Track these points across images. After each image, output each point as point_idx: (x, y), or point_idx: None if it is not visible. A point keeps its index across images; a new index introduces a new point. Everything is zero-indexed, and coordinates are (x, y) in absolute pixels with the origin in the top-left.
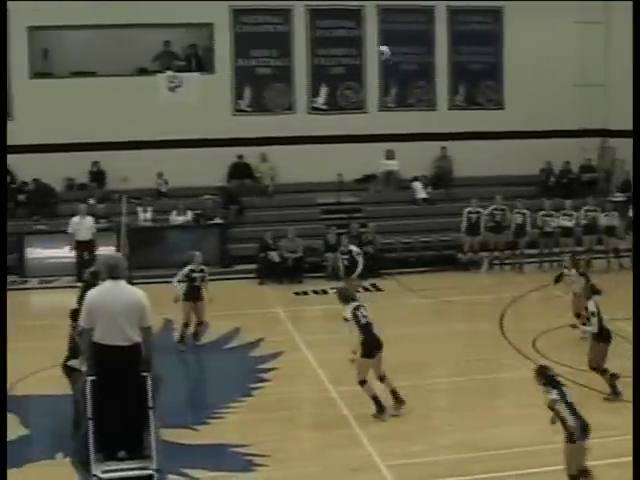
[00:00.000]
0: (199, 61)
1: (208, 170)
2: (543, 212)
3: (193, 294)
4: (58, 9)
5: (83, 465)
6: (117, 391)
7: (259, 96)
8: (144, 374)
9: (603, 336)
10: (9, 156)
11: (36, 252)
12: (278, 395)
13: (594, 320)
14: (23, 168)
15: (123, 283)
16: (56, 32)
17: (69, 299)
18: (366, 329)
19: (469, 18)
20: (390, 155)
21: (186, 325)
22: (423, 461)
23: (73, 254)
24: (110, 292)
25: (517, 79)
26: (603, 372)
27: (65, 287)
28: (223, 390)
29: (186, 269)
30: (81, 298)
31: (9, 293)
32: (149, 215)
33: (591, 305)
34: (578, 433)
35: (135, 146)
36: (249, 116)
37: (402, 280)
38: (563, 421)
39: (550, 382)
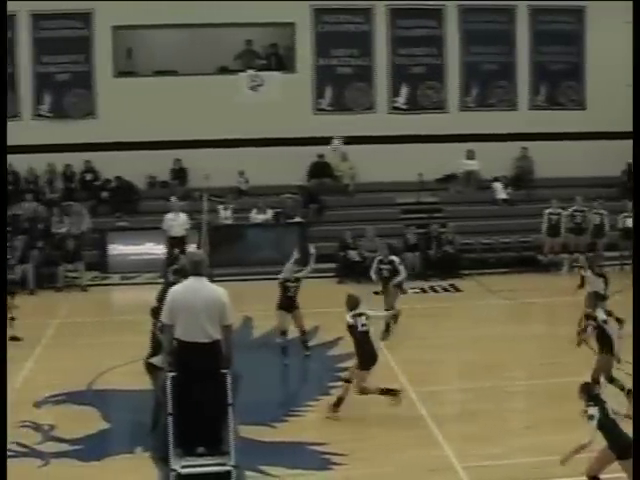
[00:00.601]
0: (280, 60)
1: (288, 169)
2: (625, 214)
3: (288, 303)
4: (142, 9)
5: (162, 460)
6: (197, 388)
7: (340, 95)
8: (224, 371)
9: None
10: (94, 154)
11: (118, 249)
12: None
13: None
14: (106, 166)
15: (205, 280)
16: (140, 31)
17: (150, 295)
18: (362, 338)
19: (550, 18)
20: (470, 155)
21: (283, 333)
22: (500, 463)
23: (164, 250)
24: (192, 289)
25: (599, 79)
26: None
27: (146, 283)
28: (302, 388)
29: (281, 277)
30: (162, 295)
31: (92, 289)
32: (230, 213)
33: (601, 314)
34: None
35: (216, 144)
36: (330, 115)
37: (482, 281)
38: (590, 438)
39: (593, 399)
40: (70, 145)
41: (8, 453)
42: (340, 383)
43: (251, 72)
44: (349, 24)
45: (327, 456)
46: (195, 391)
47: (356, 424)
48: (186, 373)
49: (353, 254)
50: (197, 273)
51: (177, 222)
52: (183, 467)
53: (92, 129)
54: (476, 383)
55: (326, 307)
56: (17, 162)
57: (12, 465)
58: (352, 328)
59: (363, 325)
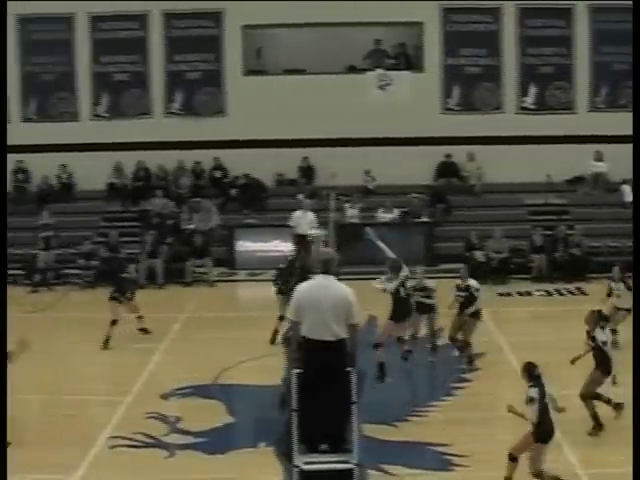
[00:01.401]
0: (408, 59)
1: (415, 168)
2: None
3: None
4: (272, 9)
5: (285, 455)
6: (322, 385)
7: (468, 95)
8: (349, 369)
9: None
10: (223, 151)
11: (245, 245)
12: (480, 396)
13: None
14: (235, 163)
15: (332, 279)
16: (269, 31)
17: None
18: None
19: None
20: (599, 157)
21: (413, 337)
22: (625, 471)
23: (291, 247)
24: (320, 287)
25: None
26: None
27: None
28: (425, 388)
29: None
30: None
31: (219, 284)
32: (356, 212)
33: (600, 335)
34: (541, 435)
35: (344, 143)
36: (457, 115)
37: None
38: (532, 420)
39: (534, 380)
40: (200, 142)
41: (135, 443)
42: (463, 384)
43: (379, 71)
44: (478, 23)
45: (448, 457)
46: (320, 388)
47: (479, 425)
48: (311, 370)
49: (479, 255)
50: (325, 271)
51: (305, 220)
52: (306, 463)
53: (221, 127)
54: (601, 388)
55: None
56: (148, 159)
57: (139, 455)
58: None
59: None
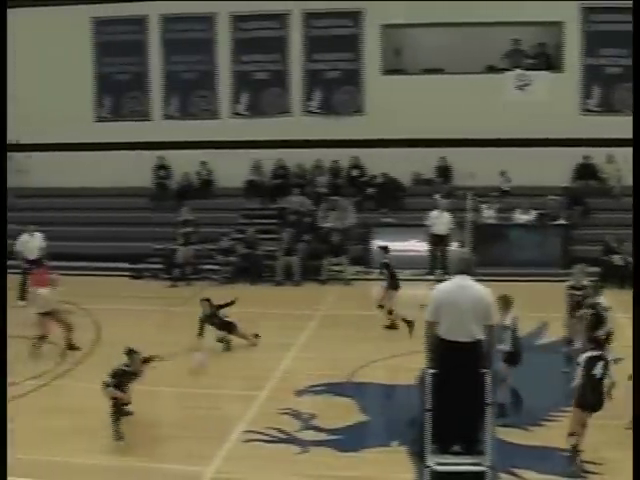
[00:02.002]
0: (547, 59)
1: (553, 170)
2: None
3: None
4: (411, 8)
5: (418, 455)
6: (456, 386)
7: (608, 96)
8: (484, 371)
9: None
10: (361, 150)
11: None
12: (614, 401)
13: None
14: (372, 162)
15: (470, 280)
16: (409, 30)
17: (413, 291)
18: None
19: None
20: None
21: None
22: None
23: (427, 247)
24: (458, 288)
25: None
26: None
27: (409, 280)
28: (559, 392)
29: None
30: None
31: (355, 283)
32: (493, 213)
33: None
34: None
35: (481, 143)
36: (597, 116)
37: None
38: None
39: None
40: (338, 141)
41: (269, 438)
42: None
43: (518, 71)
44: (618, 23)
45: (581, 464)
46: (454, 389)
47: (617, 432)
48: (447, 371)
49: (617, 258)
50: (463, 272)
51: (441, 220)
52: (438, 464)
53: (360, 126)
54: None
55: None
56: (287, 157)
57: (272, 450)
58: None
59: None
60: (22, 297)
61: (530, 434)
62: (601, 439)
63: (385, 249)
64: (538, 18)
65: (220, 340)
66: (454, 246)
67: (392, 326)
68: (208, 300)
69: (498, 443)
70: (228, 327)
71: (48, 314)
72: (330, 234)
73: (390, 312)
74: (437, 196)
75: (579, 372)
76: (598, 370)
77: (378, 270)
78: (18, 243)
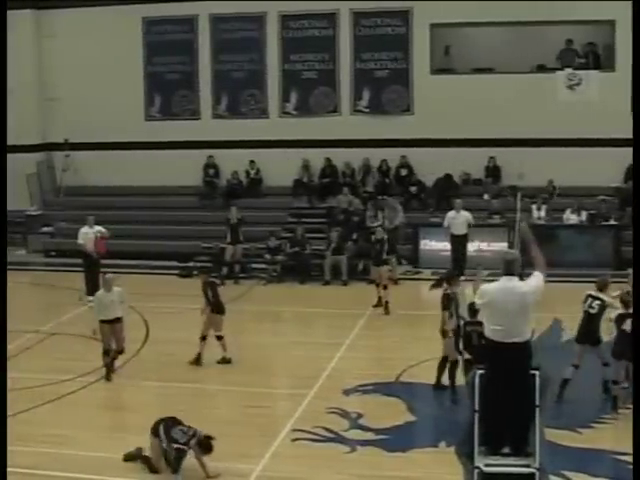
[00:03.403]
0: (598, 59)
1: (604, 170)
2: None
3: None
4: (460, 7)
5: (467, 456)
6: (506, 387)
7: None
8: (533, 372)
9: None
10: (409, 149)
11: (430, 244)
12: None
13: None
14: (421, 162)
15: (516, 280)
16: (457, 29)
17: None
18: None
19: None
20: None
21: None
22: None
23: (449, 247)
24: (504, 288)
25: None
26: None
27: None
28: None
29: None
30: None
31: (404, 282)
32: (543, 213)
33: None
34: None
35: (531, 143)
36: None
37: None
38: None
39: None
40: (386, 140)
41: (317, 437)
42: None
43: (569, 70)
44: None
45: (631, 466)
46: (504, 390)
47: None
48: (495, 372)
49: None
50: (509, 272)
51: (458, 220)
52: (487, 465)
53: (408, 125)
54: None
55: None
56: (335, 156)
57: (319, 449)
58: None
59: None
60: (92, 292)
61: (580, 436)
62: None
63: None
64: (590, 17)
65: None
66: (499, 247)
67: None
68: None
69: (548, 445)
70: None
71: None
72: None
73: None
74: (486, 196)
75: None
76: (627, 326)
77: None
78: (79, 235)
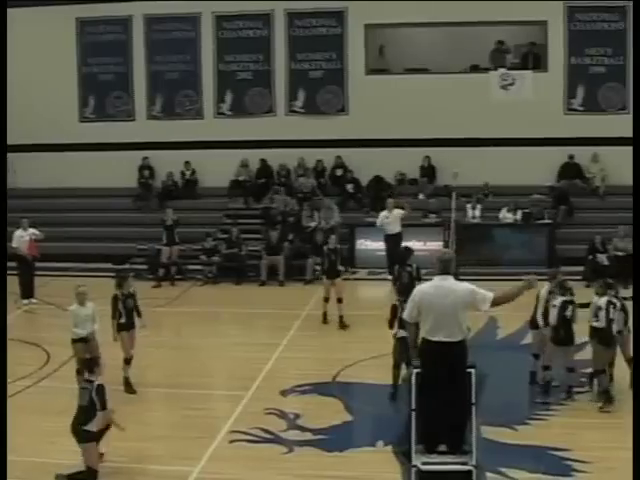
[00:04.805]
0: (532, 59)
1: (538, 169)
2: None
3: None
4: (394, 8)
5: (404, 455)
6: (442, 385)
7: (592, 95)
8: (468, 370)
9: None
10: (345, 150)
11: (366, 244)
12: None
13: None
14: (356, 161)
15: (452, 279)
16: (392, 29)
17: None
18: None
19: None
20: None
21: None
22: None
23: (383, 247)
24: (439, 288)
25: None
26: None
27: (368, 279)
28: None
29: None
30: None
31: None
32: (477, 212)
33: None
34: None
35: (465, 143)
36: (581, 115)
37: None
38: None
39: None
40: (322, 141)
41: (254, 438)
42: (583, 389)
43: (502, 71)
44: (603, 22)
45: (569, 462)
46: (439, 389)
47: (602, 432)
48: (432, 371)
49: (602, 258)
50: (445, 272)
51: (390, 220)
52: (424, 464)
53: (343, 125)
54: None
55: None
56: (270, 157)
57: (257, 450)
58: None
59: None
60: (26, 295)
61: (516, 433)
62: (592, 438)
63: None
64: (523, 17)
65: None
66: (435, 246)
67: None
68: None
69: (484, 442)
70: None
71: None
72: (315, 234)
73: None
74: (421, 195)
75: (554, 313)
76: (569, 312)
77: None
78: (14, 239)
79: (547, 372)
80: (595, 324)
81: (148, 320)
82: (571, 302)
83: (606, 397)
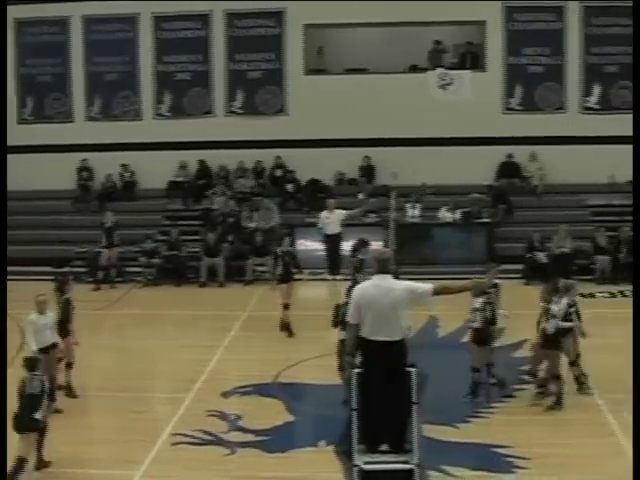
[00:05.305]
0: (471, 59)
1: (477, 168)
2: None
3: None
4: (333, 8)
5: (345, 455)
6: (382, 385)
7: (530, 95)
8: (409, 370)
9: None
10: (284, 150)
11: (306, 244)
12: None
13: None
14: (296, 162)
15: (390, 278)
16: (331, 30)
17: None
18: None
19: None
20: None
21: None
22: None
23: (323, 247)
24: (377, 287)
25: None
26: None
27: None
28: (486, 389)
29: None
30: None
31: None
32: (417, 212)
33: None
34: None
35: (404, 143)
36: (519, 115)
37: None
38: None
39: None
40: (261, 142)
41: (196, 440)
42: (524, 386)
43: (441, 70)
44: (541, 22)
45: (510, 459)
46: (380, 389)
47: (542, 428)
48: (371, 371)
49: (541, 256)
50: (383, 271)
51: (331, 220)
52: (366, 463)
53: (283, 126)
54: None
55: (512, 309)
56: (210, 158)
57: (199, 452)
58: None
59: None
60: None
61: (458, 431)
62: (531, 434)
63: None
64: (461, 17)
65: None
66: (377, 246)
67: None
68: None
69: (426, 441)
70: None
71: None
72: (254, 234)
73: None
74: (360, 195)
75: (478, 316)
76: (488, 313)
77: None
78: None
79: (475, 374)
80: (548, 327)
81: (89, 323)
82: (490, 303)
83: (556, 400)
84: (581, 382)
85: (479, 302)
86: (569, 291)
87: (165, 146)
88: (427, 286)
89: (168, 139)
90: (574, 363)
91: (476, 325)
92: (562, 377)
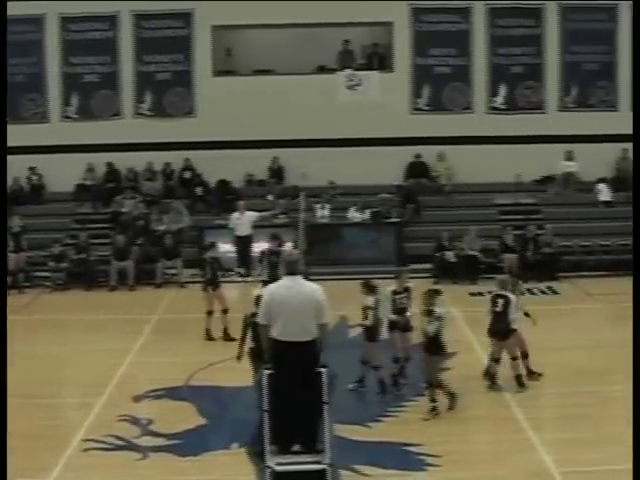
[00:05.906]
0: (378, 60)
1: (385, 169)
2: None
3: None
4: (241, 9)
5: (257, 456)
6: (293, 386)
7: (437, 95)
8: (320, 370)
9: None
10: (193, 152)
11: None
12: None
13: None
14: (205, 164)
15: (300, 279)
16: (239, 31)
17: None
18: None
19: None
20: (569, 156)
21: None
22: (599, 469)
23: (234, 249)
24: (288, 288)
25: None
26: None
27: (244, 282)
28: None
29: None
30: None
31: (190, 286)
32: (327, 212)
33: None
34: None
35: (313, 144)
36: (427, 115)
37: (580, 284)
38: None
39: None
40: (170, 143)
41: (107, 446)
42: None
43: (348, 71)
44: (447, 23)
45: (421, 457)
46: (291, 389)
47: (452, 425)
48: (282, 371)
49: (449, 255)
50: (292, 272)
51: (242, 221)
52: (278, 464)
53: (191, 128)
54: (573, 387)
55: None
56: (118, 160)
57: (110, 458)
58: None
59: None
60: None
61: (370, 430)
62: (441, 432)
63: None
64: (369, 18)
65: None
66: (287, 246)
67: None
68: None
69: (338, 441)
70: None
71: None
72: (164, 237)
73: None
74: (270, 197)
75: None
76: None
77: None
78: None
79: (378, 372)
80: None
81: None
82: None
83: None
84: (520, 383)
85: (371, 300)
86: (515, 287)
87: (73, 149)
88: (328, 320)
89: (76, 141)
90: (515, 359)
91: (367, 323)
92: (443, 383)
